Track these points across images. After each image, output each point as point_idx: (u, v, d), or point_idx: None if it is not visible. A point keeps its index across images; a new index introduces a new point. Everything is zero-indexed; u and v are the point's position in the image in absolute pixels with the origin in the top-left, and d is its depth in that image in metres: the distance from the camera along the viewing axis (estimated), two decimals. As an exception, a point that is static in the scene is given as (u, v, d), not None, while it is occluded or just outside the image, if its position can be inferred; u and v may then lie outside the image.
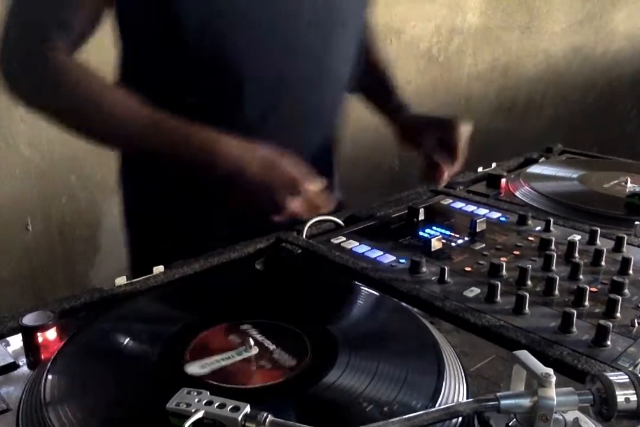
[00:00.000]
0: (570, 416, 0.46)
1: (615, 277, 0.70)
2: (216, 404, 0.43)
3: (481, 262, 0.77)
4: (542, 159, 1.23)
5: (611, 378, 0.43)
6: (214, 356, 0.54)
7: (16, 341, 0.60)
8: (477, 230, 0.85)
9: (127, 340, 0.58)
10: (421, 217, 0.90)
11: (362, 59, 1.03)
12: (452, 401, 0.49)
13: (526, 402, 0.43)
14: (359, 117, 1.20)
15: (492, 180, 1.08)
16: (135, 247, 1.03)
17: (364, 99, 1.15)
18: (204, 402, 0.44)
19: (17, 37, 0.81)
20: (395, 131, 1.10)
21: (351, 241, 0.83)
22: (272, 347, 0.56)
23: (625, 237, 0.80)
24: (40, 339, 0.56)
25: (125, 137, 0.82)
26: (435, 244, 0.81)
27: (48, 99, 0.82)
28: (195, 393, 0.45)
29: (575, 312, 0.62)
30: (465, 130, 1.00)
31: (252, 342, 0.55)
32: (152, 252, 0.98)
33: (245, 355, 0.55)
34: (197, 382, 0.51)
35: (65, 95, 0.80)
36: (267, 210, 0.80)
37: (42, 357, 0.56)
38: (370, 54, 1.13)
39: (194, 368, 0.53)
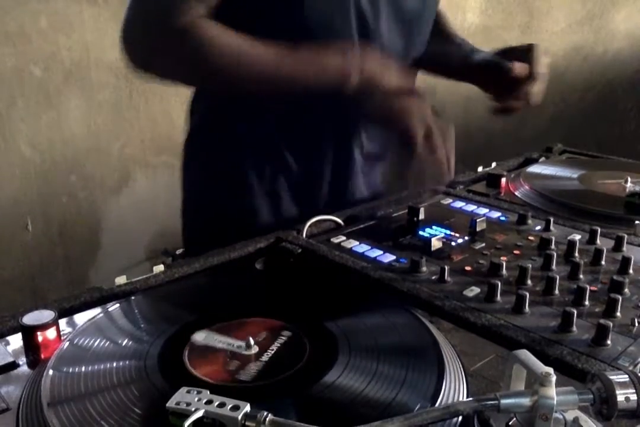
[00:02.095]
0: (570, 415, 0.46)
1: (615, 277, 0.70)
2: (216, 403, 0.43)
3: (481, 261, 0.77)
4: (542, 158, 1.23)
5: (611, 377, 0.43)
6: (221, 336, 0.56)
7: (16, 341, 0.60)
8: (477, 229, 0.85)
9: (126, 340, 0.58)
10: (421, 216, 0.90)
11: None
12: (452, 400, 0.49)
13: (526, 401, 0.43)
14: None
15: (492, 180, 1.08)
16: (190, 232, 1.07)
17: (436, 71, 1.20)
18: (204, 401, 0.44)
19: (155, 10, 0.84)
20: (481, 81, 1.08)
21: (351, 240, 0.83)
22: (271, 346, 0.56)
23: (625, 236, 0.80)
24: (40, 339, 0.56)
25: (268, 74, 0.85)
26: (435, 244, 0.81)
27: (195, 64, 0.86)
28: (195, 392, 0.45)
29: (575, 311, 0.62)
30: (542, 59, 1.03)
31: (252, 340, 0.55)
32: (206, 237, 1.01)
33: (245, 353, 0.55)
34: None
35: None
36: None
37: (42, 356, 0.56)
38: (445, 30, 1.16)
39: (199, 336, 0.56)
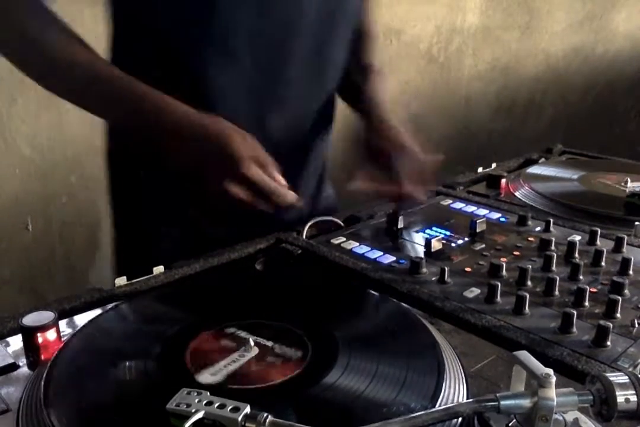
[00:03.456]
0: (570, 416, 0.46)
1: (615, 278, 0.70)
2: (216, 405, 0.43)
3: (481, 262, 0.77)
4: (542, 159, 1.23)
5: (611, 379, 0.43)
6: (220, 362, 0.54)
7: (16, 342, 0.59)
8: (477, 230, 0.85)
9: (126, 341, 0.58)
10: (400, 225, 0.88)
11: (351, 60, 0.97)
12: (452, 402, 0.49)
13: (526, 402, 0.43)
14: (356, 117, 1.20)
15: (492, 181, 1.08)
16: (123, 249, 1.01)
17: (345, 100, 1.06)
18: (204, 402, 0.44)
19: None
20: (365, 131, 0.97)
21: (351, 241, 0.83)
22: (272, 347, 0.56)
23: (625, 237, 0.80)
24: (40, 340, 0.56)
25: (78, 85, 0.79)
26: (435, 245, 0.81)
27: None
28: (195, 393, 0.45)
29: (575, 312, 0.62)
30: (433, 164, 0.91)
31: (252, 343, 0.55)
32: (142, 254, 0.95)
33: (247, 356, 0.55)
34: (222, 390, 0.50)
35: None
36: (210, 188, 0.74)
37: (42, 357, 0.56)
38: (363, 58, 1.03)
39: (205, 378, 0.52)
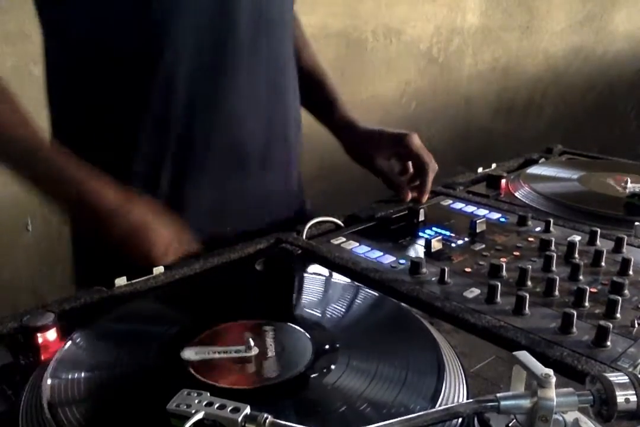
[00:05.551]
0: (570, 416, 0.46)
1: (615, 278, 0.70)
2: (216, 405, 0.43)
3: (481, 262, 0.77)
4: (542, 159, 1.23)
5: (611, 379, 0.43)
6: (212, 347, 0.55)
7: (16, 341, 0.59)
8: (477, 231, 0.85)
9: (127, 341, 0.58)
10: (421, 218, 0.90)
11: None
12: (452, 402, 0.49)
13: (526, 403, 0.43)
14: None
15: (492, 181, 1.08)
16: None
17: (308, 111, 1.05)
18: (204, 403, 0.44)
19: None
20: (344, 147, 1.03)
21: (351, 241, 0.84)
22: (272, 347, 0.56)
23: (625, 237, 0.80)
24: (40, 340, 0.56)
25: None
26: (435, 245, 0.81)
27: None
28: (196, 394, 0.45)
29: (575, 312, 0.62)
30: (417, 140, 0.95)
31: (252, 342, 0.55)
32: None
33: (245, 354, 0.55)
34: (184, 367, 0.53)
35: None
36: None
37: (42, 357, 0.56)
38: (302, 60, 1.01)
39: (189, 353, 0.55)
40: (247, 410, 0.43)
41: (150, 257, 0.75)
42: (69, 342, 0.57)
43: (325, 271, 0.76)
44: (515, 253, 0.80)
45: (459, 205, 0.97)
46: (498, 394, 0.44)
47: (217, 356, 0.55)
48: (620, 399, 0.43)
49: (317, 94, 1.04)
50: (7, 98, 0.77)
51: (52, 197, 0.79)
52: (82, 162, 0.76)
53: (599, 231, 0.82)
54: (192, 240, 0.79)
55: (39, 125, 0.78)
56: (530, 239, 0.84)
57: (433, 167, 0.96)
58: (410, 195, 0.97)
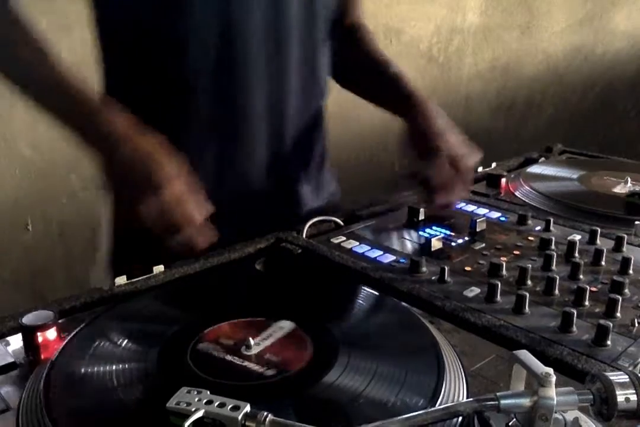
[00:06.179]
0: (570, 415, 0.46)
1: (615, 277, 0.70)
2: (216, 403, 0.43)
3: (481, 261, 0.77)
4: (542, 158, 1.23)
5: (611, 378, 0.43)
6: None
7: (16, 341, 0.59)
8: (477, 230, 0.85)
9: (127, 340, 0.58)
10: (422, 216, 0.90)
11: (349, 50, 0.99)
12: (452, 401, 0.49)
13: (526, 401, 0.43)
14: (358, 116, 1.20)
15: (492, 180, 1.08)
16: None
17: (362, 95, 1.06)
18: (204, 401, 0.44)
19: None
20: (404, 132, 0.95)
21: (351, 240, 0.83)
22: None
23: (625, 236, 0.80)
24: (40, 339, 0.56)
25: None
26: (435, 244, 0.81)
27: None
28: (195, 392, 0.45)
29: (575, 311, 0.62)
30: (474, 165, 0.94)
31: (252, 341, 0.55)
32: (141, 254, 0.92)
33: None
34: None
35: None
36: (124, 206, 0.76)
37: (42, 357, 0.56)
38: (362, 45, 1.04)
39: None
40: (247, 408, 0.43)
41: (147, 191, 0.72)
42: (69, 341, 0.57)
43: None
44: (515, 252, 0.80)
45: (459, 204, 0.97)
46: (498, 393, 0.44)
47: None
48: (620, 398, 0.43)
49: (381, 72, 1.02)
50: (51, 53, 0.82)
51: (97, 149, 0.80)
52: (130, 117, 0.77)
53: (599, 230, 0.82)
54: (200, 190, 0.76)
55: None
56: (530, 238, 0.84)
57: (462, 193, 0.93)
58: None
